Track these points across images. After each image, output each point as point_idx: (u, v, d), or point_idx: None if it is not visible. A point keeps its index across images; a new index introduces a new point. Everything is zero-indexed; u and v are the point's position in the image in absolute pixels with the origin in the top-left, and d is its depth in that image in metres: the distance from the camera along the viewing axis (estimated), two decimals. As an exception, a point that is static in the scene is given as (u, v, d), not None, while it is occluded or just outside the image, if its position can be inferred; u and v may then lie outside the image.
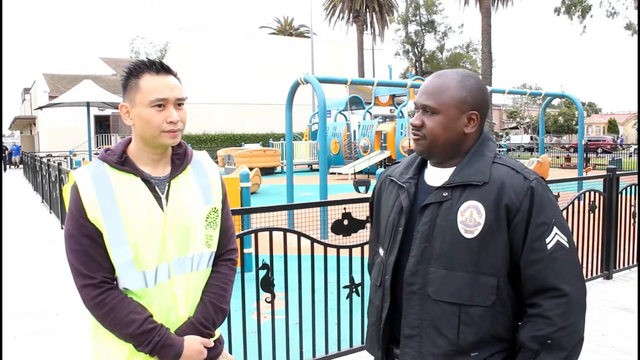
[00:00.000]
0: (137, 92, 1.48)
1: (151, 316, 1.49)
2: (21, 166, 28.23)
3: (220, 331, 1.73)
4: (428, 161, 1.51)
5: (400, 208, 1.47)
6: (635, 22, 26.44)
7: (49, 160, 12.66)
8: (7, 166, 32.64)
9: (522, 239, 1.33)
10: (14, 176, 24.64)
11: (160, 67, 1.50)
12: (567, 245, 1.34)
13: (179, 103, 1.52)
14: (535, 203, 1.33)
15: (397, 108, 21.49)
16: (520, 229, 1.33)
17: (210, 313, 1.58)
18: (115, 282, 1.48)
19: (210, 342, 1.58)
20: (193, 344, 1.52)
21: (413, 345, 1.40)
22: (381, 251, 1.56)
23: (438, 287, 1.37)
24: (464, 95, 1.40)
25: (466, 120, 1.41)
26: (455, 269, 1.35)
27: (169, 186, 1.54)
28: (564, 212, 4.71)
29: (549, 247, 1.32)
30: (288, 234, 3.18)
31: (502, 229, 1.33)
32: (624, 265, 5.43)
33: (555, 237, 1.33)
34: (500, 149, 25.62)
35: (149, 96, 1.47)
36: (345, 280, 3.34)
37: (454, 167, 1.43)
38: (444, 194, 1.39)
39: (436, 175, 1.46)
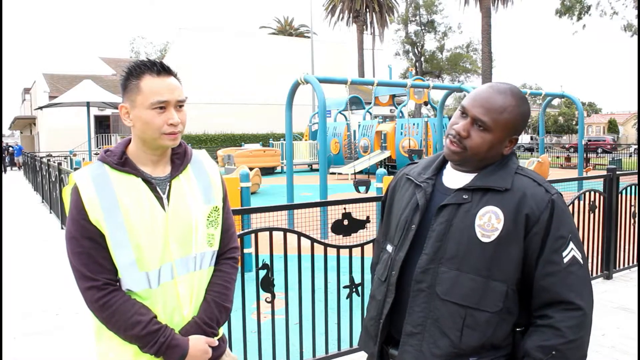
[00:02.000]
0: (137, 94, 1.47)
1: (156, 317, 1.49)
2: (22, 167, 27.06)
3: (223, 330, 1.73)
4: (449, 163, 1.51)
5: (415, 205, 1.47)
6: (632, 22, 26.46)
7: (49, 160, 12.66)
8: (10, 167, 31.04)
9: (538, 250, 1.34)
10: (14, 176, 24.64)
11: (161, 68, 1.49)
12: (581, 261, 1.36)
13: (179, 105, 1.51)
14: (556, 216, 1.34)
15: (397, 108, 21.49)
16: (537, 240, 1.34)
17: (214, 312, 1.58)
18: (118, 284, 1.48)
19: (215, 342, 1.58)
20: (198, 343, 1.52)
21: (414, 344, 1.40)
22: (389, 247, 1.55)
23: (447, 287, 1.37)
24: (517, 121, 1.40)
25: (507, 143, 1.43)
26: (467, 271, 1.36)
27: (169, 186, 1.54)
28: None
29: (565, 260, 1.33)
30: (288, 234, 3.17)
31: (519, 237, 1.34)
32: (624, 265, 5.43)
33: (571, 251, 1.34)
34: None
35: (149, 98, 1.46)
36: (345, 280, 3.34)
37: (476, 174, 1.43)
38: (464, 196, 1.40)
39: (455, 178, 1.46)
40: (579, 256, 1.35)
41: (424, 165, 1.56)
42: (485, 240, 1.34)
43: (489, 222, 1.35)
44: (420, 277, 1.41)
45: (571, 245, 1.34)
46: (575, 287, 1.32)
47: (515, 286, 1.36)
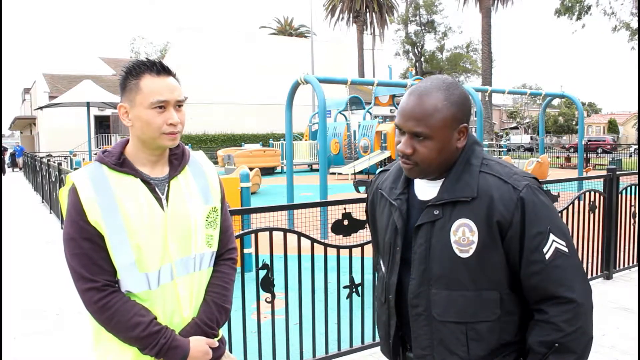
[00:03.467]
0: (137, 93, 1.46)
1: (156, 318, 1.48)
2: (23, 169, 25.84)
3: (222, 332, 1.73)
4: None
5: (394, 228, 1.44)
6: (626, 21, 26.49)
7: (49, 160, 12.67)
8: (11, 169, 29.63)
9: (519, 252, 1.31)
10: (14, 176, 24.63)
11: (160, 68, 1.48)
12: (566, 250, 1.31)
13: (178, 105, 1.50)
14: (528, 214, 1.29)
15: (397, 108, 21.45)
16: (515, 243, 1.30)
17: (214, 313, 1.58)
18: (117, 285, 1.46)
19: (215, 343, 1.58)
20: (199, 344, 1.52)
21: None
22: (382, 267, 1.54)
23: (442, 308, 1.36)
24: (454, 112, 1.32)
25: (457, 135, 1.36)
26: (456, 288, 1.34)
27: (168, 187, 1.53)
28: (564, 212, 4.71)
29: (547, 256, 1.29)
30: (288, 234, 3.17)
31: (496, 244, 1.31)
32: (624, 265, 5.43)
33: (552, 244, 1.30)
34: (501, 149, 25.58)
35: (149, 98, 1.45)
36: (345, 280, 3.34)
37: (442, 180, 1.39)
38: (435, 212, 1.36)
39: (426, 189, 1.42)
40: (562, 246, 1.30)
41: (394, 177, 1.51)
42: (464, 255, 1.32)
43: (464, 237, 1.32)
44: (415, 302, 1.40)
45: (551, 237, 1.29)
46: (564, 280, 1.29)
47: (509, 289, 1.34)
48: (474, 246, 1.31)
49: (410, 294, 1.40)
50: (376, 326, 1.64)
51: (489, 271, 1.32)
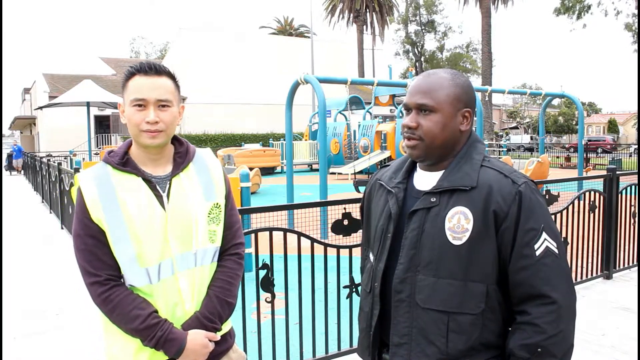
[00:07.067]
0: (125, 92, 1.55)
1: (155, 312, 1.52)
2: (23, 171, 24.03)
3: (232, 325, 1.74)
4: (417, 165, 1.48)
5: (389, 214, 1.45)
6: (630, 23, 26.54)
7: (49, 160, 12.68)
8: (9, 172, 26.57)
9: (511, 245, 1.31)
10: (14, 178, 24.61)
11: (148, 69, 1.53)
12: (556, 251, 1.31)
13: (161, 104, 1.52)
14: (524, 208, 1.30)
15: (397, 108, 21.49)
16: (508, 235, 1.31)
17: (216, 307, 1.61)
18: (121, 280, 1.53)
19: (217, 336, 1.60)
20: (197, 337, 1.55)
21: (402, 354, 1.39)
22: (371, 257, 1.54)
23: (426, 295, 1.35)
24: (458, 93, 1.39)
25: (461, 118, 1.40)
26: (443, 276, 1.33)
27: (170, 184, 1.57)
28: (564, 212, 4.71)
29: (537, 253, 1.30)
30: (288, 234, 3.18)
31: (490, 235, 1.31)
32: (624, 265, 5.43)
33: (544, 242, 1.30)
34: (500, 149, 25.60)
35: (130, 96, 1.52)
36: (345, 280, 3.34)
37: (443, 171, 1.41)
38: (431, 200, 1.37)
39: (425, 179, 1.44)
40: (553, 246, 1.31)
41: (395, 169, 1.53)
42: (457, 243, 1.32)
43: (459, 224, 1.32)
44: (399, 288, 1.39)
45: (544, 236, 1.30)
46: (550, 279, 1.29)
47: (496, 284, 1.34)
48: (467, 234, 1.32)
49: (396, 279, 1.39)
50: (357, 320, 1.62)
51: (479, 262, 1.32)
